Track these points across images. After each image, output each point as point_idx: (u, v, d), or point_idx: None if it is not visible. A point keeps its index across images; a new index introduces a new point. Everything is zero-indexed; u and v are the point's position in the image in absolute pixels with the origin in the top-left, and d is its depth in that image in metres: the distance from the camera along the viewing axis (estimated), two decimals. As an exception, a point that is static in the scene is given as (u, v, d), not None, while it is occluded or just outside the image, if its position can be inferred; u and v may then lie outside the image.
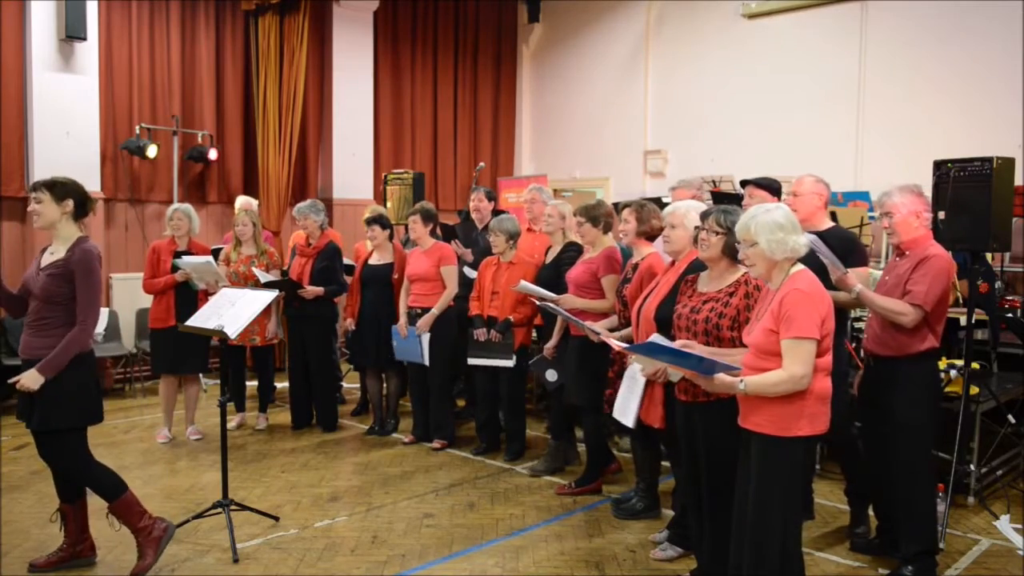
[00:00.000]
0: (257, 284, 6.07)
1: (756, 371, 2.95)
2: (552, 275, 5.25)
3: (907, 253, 3.77)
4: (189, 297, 5.83)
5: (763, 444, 2.97)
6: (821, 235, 4.09)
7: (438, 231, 6.27)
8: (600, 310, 4.76)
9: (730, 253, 3.35)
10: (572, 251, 5.25)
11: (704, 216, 3.44)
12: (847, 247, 4.04)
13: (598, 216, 4.90)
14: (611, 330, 4.47)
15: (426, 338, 5.81)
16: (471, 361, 5.64)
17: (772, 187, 4.75)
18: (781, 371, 2.87)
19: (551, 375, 5.20)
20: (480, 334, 5.55)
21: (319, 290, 6.20)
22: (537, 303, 5.10)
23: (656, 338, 3.20)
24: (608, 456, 5.22)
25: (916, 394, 3.71)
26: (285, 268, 6.64)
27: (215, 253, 6.51)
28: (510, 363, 5.46)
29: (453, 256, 5.96)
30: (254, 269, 6.18)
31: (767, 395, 2.91)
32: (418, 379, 6.06)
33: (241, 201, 7.42)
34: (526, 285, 5.06)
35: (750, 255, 3.04)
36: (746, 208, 3.41)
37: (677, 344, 3.20)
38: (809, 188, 4.19)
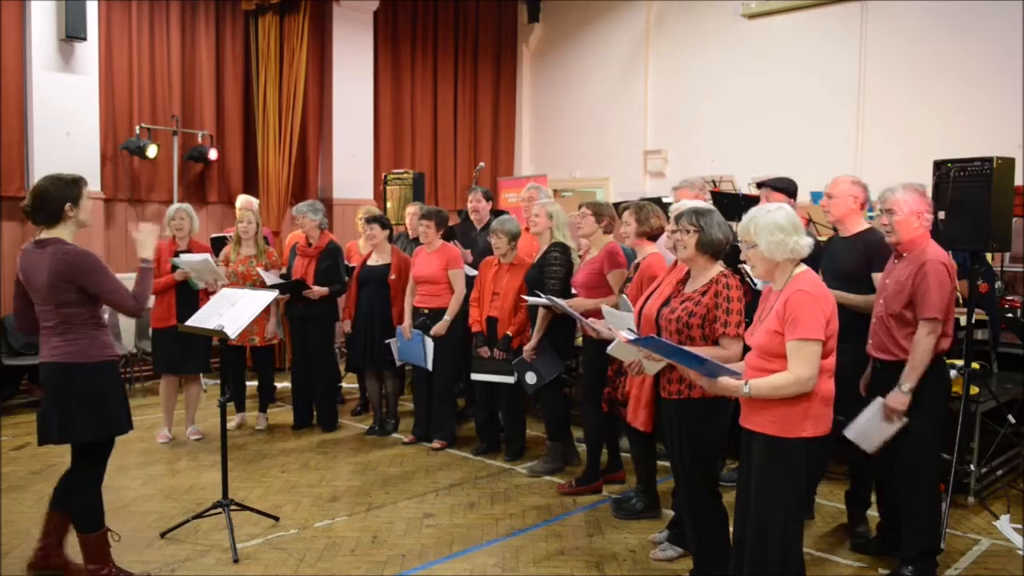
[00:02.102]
0: (256, 284, 6.07)
1: (760, 372, 2.94)
2: (536, 276, 5.23)
3: (905, 255, 3.75)
4: (190, 297, 5.83)
5: (766, 445, 2.96)
6: (855, 237, 4.09)
7: None
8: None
9: (705, 251, 3.39)
10: (556, 251, 5.24)
11: (677, 218, 3.48)
12: (873, 251, 3.99)
13: (603, 213, 4.89)
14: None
15: (430, 343, 5.81)
16: (474, 376, 5.65)
17: (788, 190, 4.76)
18: (787, 373, 2.87)
19: (530, 377, 5.20)
20: (483, 351, 5.56)
21: (324, 290, 6.21)
22: (529, 301, 5.08)
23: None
24: (615, 463, 5.21)
25: (926, 396, 3.67)
26: (283, 271, 6.62)
27: (218, 242, 6.50)
28: (511, 380, 5.44)
29: (460, 259, 5.96)
30: (259, 270, 6.19)
31: (771, 397, 2.90)
32: (421, 379, 6.06)
33: (243, 200, 7.42)
34: (533, 300, 5.01)
35: (750, 256, 3.05)
36: None
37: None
38: (844, 190, 4.16)
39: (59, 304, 3.47)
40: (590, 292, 4.89)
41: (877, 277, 3.95)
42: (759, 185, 4.88)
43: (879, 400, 3.68)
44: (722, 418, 3.44)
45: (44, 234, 3.52)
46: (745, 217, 3.08)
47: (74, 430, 3.51)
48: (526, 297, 5.08)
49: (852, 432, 3.71)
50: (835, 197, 4.17)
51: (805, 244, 2.98)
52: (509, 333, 5.44)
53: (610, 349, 3.42)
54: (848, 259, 4.04)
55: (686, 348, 3.09)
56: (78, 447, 3.63)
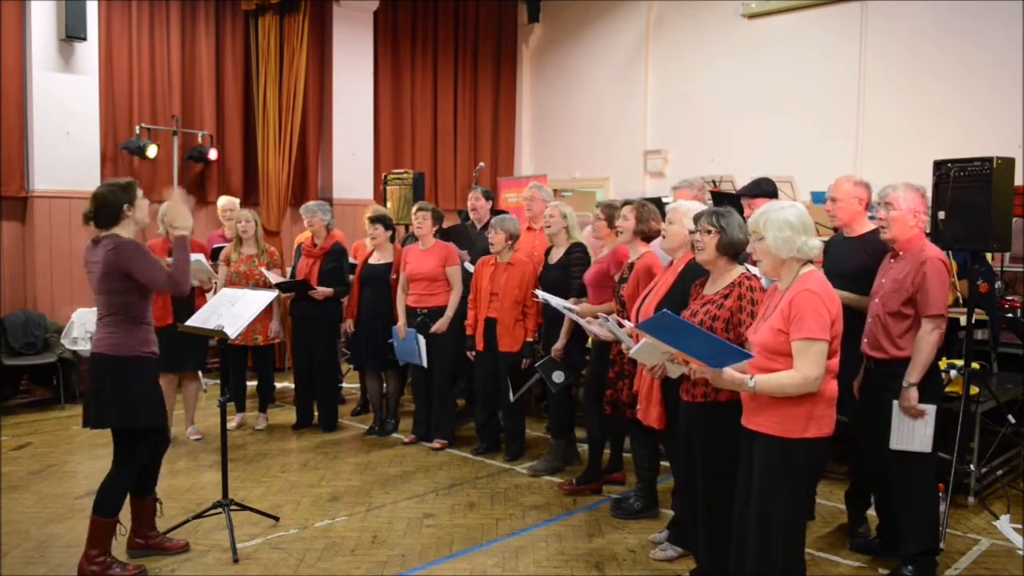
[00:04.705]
0: (258, 284, 6.07)
1: (763, 371, 2.93)
2: (560, 276, 5.23)
3: (901, 254, 3.76)
4: (186, 296, 5.82)
5: (768, 445, 2.95)
6: (862, 238, 4.08)
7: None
8: (607, 311, 4.70)
9: (725, 252, 3.35)
10: (578, 252, 5.25)
11: (696, 218, 3.45)
12: (882, 251, 3.94)
13: (615, 216, 4.87)
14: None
15: (423, 340, 5.81)
16: (514, 398, 5.48)
17: (766, 192, 4.74)
18: (794, 372, 2.86)
19: (558, 376, 5.18)
20: (470, 355, 5.66)
21: (329, 291, 6.21)
22: (540, 296, 5.08)
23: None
24: (616, 463, 5.21)
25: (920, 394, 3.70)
26: (291, 269, 6.60)
27: (215, 253, 6.50)
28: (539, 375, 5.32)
29: (456, 256, 5.96)
30: (263, 270, 6.18)
31: (776, 395, 2.89)
32: (421, 378, 6.06)
33: (224, 201, 7.21)
34: (543, 295, 5.02)
35: (756, 249, 3.05)
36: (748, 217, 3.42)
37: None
38: (848, 191, 4.15)
39: (107, 292, 3.74)
40: (596, 291, 4.89)
41: None
42: (738, 196, 4.86)
43: (895, 404, 3.70)
44: None
45: (104, 233, 3.79)
46: (759, 210, 3.08)
47: (102, 417, 3.78)
48: (538, 292, 5.09)
49: (896, 444, 3.72)
50: (839, 200, 4.15)
51: (813, 246, 2.96)
52: (530, 341, 5.44)
53: (633, 352, 3.37)
54: (855, 259, 4.04)
55: (697, 327, 3.05)
56: (114, 436, 3.87)
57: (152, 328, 3.88)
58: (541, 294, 5.05)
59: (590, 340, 5.10)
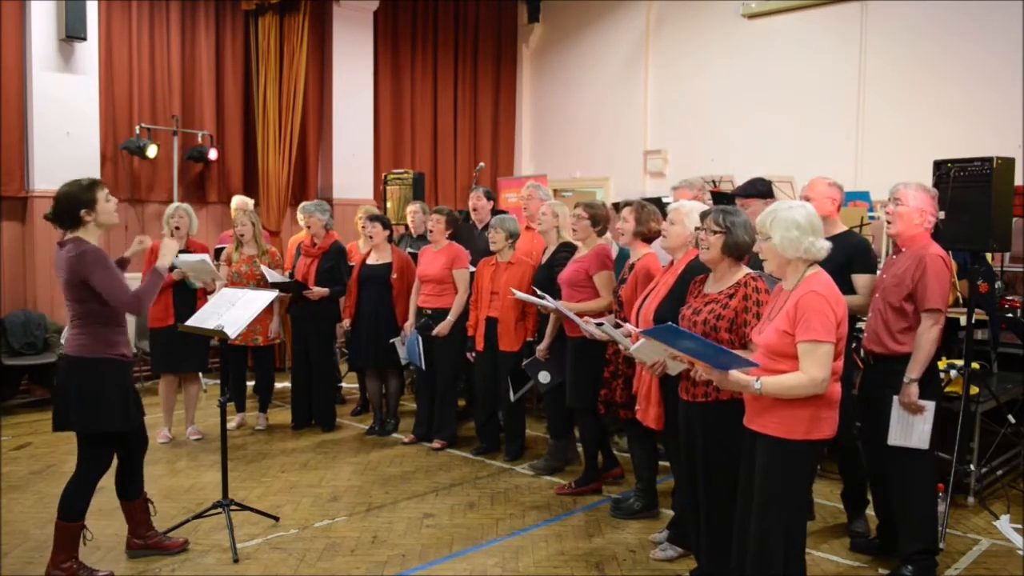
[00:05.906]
0: (259, 284, 6.07)
1: (767, 372, 2.92)
2: (546, 275, 5.22)
3: (904, 250, 3.78)
4: (187, 296, 5.83)
5: (770, 446, 2.95)
6: (835, 239, 4.09)
7: None
8: (595, 310, 4.70)
9: (730, 253, 3.34)
10: (565, 251, 5.22)
11: (703, 216, 3.43)
12: (852, 252, 3.98)
13: (597, 216, 4.87)
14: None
15: (422, 343, 5.81)
16: (515, 398, 5.50)
17: (759, 192, 4.74)
18: (800, 374, 2.85)
19: (544, 376, 5.18)
20: (470, 356, 5.68)
21: (325, 291, 6.21)
22: (517, 295, 5.07)
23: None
24: (611, 460, 5.22)
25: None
26: (290, 271, 6.60)
27: (217, 253, 6.50)
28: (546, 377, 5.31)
29: (465, 259, 5.95)
30: (262, 267, 6.18)
31: (782, 397, 2.89)
32: (424, 379, 6.06)
33: (237, 201, 7.37)
34: (519, 294, 5.02)
35: (763, 249, 3.04)
36: None
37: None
38: (822, 192, 4.17)
39: (75, 300, 3.63)
40: (573, 290, 4.87)
41: (857, 278, 3.99)
42: (733, 195, 4.87)
43: (895, 400, 3.70)
44: None
45: (68, 235, 3.65)
46: (767, 209, 3.08)
47: (66, 421, 3.69)
48: (516, 291, 5.08)
49: (894, 440, 3.72)
50: (813, 200, 4.14)
51: (820, 247, 2.96)
52: (530, 340, 5.43)
53: (633, 350, 3.37)
54: (829, 259, 4.05)
55: (702, 337, 3.04)
56: (78, 437, 3.77)
57: (124, 330, 3.75)
58: (518, 293, 5.03)
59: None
